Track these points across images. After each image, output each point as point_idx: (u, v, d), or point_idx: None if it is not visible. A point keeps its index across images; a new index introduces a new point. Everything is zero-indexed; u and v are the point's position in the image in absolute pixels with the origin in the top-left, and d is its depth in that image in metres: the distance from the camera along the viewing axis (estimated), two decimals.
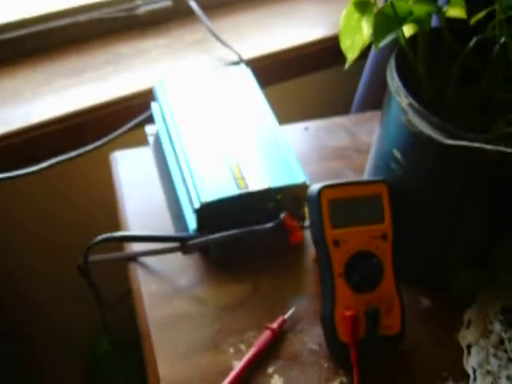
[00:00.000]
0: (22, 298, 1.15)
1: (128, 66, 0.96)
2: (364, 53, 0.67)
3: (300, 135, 0.84)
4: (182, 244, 0.66)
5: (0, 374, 1.20)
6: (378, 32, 0.56)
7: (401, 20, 0.56)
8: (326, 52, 1.02)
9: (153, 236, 0.67)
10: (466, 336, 0.62)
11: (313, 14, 1.08)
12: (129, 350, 1.22)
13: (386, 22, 0.56)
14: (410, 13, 0.56)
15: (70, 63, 0.96)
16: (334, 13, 1.07)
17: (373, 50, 0.97)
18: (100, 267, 0.69)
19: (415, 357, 0.60)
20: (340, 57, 0.71)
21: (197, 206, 0.63)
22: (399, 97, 0.56)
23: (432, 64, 0.59)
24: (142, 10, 1.02)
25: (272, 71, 1.00)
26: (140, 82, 0.93)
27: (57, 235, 1.07)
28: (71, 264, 0.70)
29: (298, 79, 1.05)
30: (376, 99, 0.97)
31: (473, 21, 0.60)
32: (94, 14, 0.99)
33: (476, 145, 0.50)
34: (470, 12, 0.60)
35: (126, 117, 0.90)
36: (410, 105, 0.54)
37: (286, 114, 0.83)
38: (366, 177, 0.70)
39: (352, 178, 0.77)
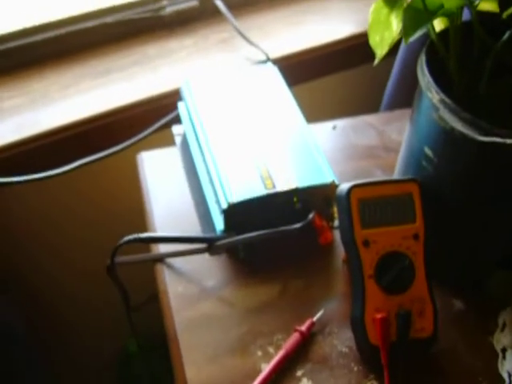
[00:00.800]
0: (51, 298, 1.16)
1: (155, 66, 0.96)
2: (393, 50, 0.65)
3: (328, 134, 0.83)
4: (209, 245, 0.65)
5: (29, 372, 1.21)
6: (408, 27, 0.55)
7: (431, 14, 0.55)
8: (354, 50, 1.00)
9: (179, 237, 0.66)
10: (501, 339, 0.60)
11: (340, 11, 1.07)
12: (156, 352, 1.22)
13: (415, 16, 0.55)
14: (441, 6, 0.55)
15: (97, 64, 0.96)
16: (362, 10, 1.06)
17: (402, 47, 0.95)
18: (129, 268, 0.69)
19: (448, 360, 0.59)
20: (369, 54, 0.69)
21: (224, 206, 0.62)
22: (430, 93, 0.54)
23: (463, 59, 0.58)
24: (169, 10, 1.02)
25: (300, 70, 0.99)
26: (167, 82, 0.93)
27: (85, 236, 1.07)
28: (99, 265, 0.70)
29: (325, 78, 1.04)
30: (406, 97, 0.95)
31: (505, 14, 0.58)
32: (121, 16, 0.99)
33: (510, 141, 0.49)
34: (503, 5, 0.58)
35: (153, 117, 0.89)
36: (442, 101, 0.53)
37: (313, 113, 0.81)
38: (396, 176, 0.68)
39: (381, 177, 0.76)
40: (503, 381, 0.57)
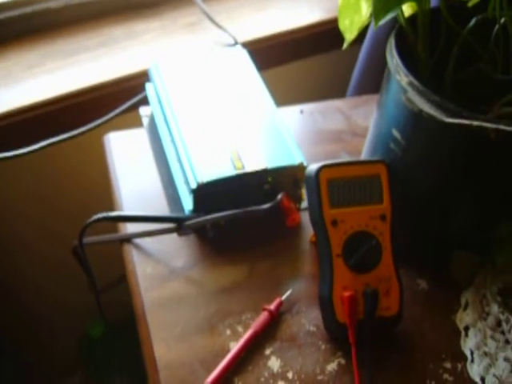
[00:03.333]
0: (17, 280, 1.14)
1: (121, 48, 0.95)
2: (360, 37, 0.66)
3: (295, 118, 0.84)
4: (178, 225, 0.65)
5: None
6: (379, 10, 0.55)
7: None
8: (321, 36, 1.01)
9: (149, 216, 0.66)
10: (464, 318, 0.61)
11: None
12: (120, 334, 1.22)
13: (385, 1, 0.56)
14: None
15: (63, 45, 0.95)
16: None
17: (369, 34, 0.96)
18: (95, 249, 0.69)
19: (413, 338, 0.60)
20: (336, 40, 0.70)
21: (193, 186, 0.62)
22: (399, 75, 0.55)
23: (431, 44, 0.59)
24: None
25: (267, 55, 0.99)
26: (133, 64, 0.92)
27: (51, 217, 1.06)
28: (66, 246, 0.69)
29: (293, 63, 1.04)
30: (372, 83, 0.97)
31: (471, 3, 0.60)
32: None
33: (477, 123, 0.50)
34: None
35: (120, 99, 0.89)
36: (410, 83, 0.54)
37: (281, 98, 0.82)
38: (363, 159, 0.69)
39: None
40: (465, 358, 0.59)
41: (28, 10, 0.94)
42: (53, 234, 1.03)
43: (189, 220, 0.65)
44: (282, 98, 0.84)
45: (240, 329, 0.60)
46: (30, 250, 1.09)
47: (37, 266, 1.13)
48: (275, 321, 0.60)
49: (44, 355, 1.30)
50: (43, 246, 1.09)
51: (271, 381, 0.56)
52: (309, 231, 0.68)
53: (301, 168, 0.65)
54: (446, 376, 0.57)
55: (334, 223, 0.57)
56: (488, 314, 0.61)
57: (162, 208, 0.71)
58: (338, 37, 0.64)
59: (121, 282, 0.73)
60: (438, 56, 0.59)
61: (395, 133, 0.58)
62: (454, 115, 0.51)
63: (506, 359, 0.57)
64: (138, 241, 0.67)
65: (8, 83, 0.89)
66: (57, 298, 1.18)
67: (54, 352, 1.30)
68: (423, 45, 0.59)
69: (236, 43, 0.94)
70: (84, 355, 1.32)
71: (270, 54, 1.00)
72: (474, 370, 0.58)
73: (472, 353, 0.59)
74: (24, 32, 0.96)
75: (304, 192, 0.68)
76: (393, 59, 0.57)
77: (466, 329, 0.61)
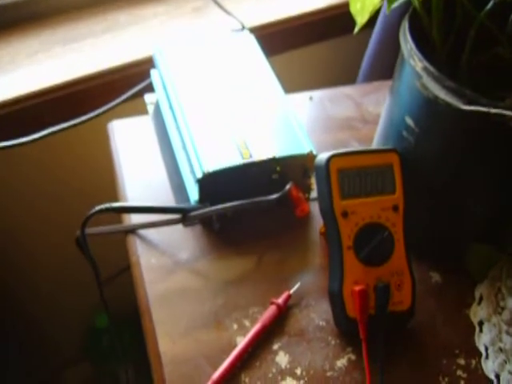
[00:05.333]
0: (21, 271, 1.13)
1: (127, 33, 0.93)
2: (371, 22, 0.64)
3: (304, 105, 0.81)
4: (183, 215, 0.63)
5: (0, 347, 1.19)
6: None
7: None
8: (331, 21, 0.98)
9: (153, 207, 0.64)
10: (478, 312, 0.60)
11: None
12: (126, 325, 1.21)
13: None
14: None
15: (68, 30, 0.93)
16: None
17: (380, 18, 0.94)
18: (101, 240, 0.67)
19: (426, 333, 0.58)
20: (345, 25, 0.68)
21: (199, 175, 0.61)
22: (413, 60, 0.53)
23: (446, 28, 0.57)
24: None
25: (275, 40, 0.97)
26: (139, 50, 0.91)
27: (55, 206, 1.05)
28: (71, 236, 0.68)
29: (302, 49, 1.02)
30: (383, 69, 0.94)
31: None
32: None
33: (495, 110, 0.47)
34: None
35: (125, 85, 0.87)
36: (425, 68, 0.51)
37: (290, 84, 0.80)
38: (374, 147, 0.67)
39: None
40: (480, 353, 0.57)
41: None
42: (58, 224, 1.02)
43: (194, 211, 0.63)
44: (291, 84, 0.82)
45: (247, 323, 0.58)
46: (34, 240, 1.08)
47: (43, 255, 1.12)
48: (283, 315, 0.59)
49: (49, 345, 1.29)
50: (48, 236, 1.08)
51: (279, 377, 0.54)
52: (319, 222, 0.66)
53: (310, 157, 0.63)
54: (459, 372, 0.56)
55: (345, 215, 0.55)
56: (503, 309, 0.59)
57: (167, 198, 0.69)
58: (348, 21, 0.62)
59: (123, 272, 0.71)
60: (454, 40, 0.57)
61: (408, 120, 0.56)
62: (470, 102, 0.49)
63: None
64: (142, 232, 0.66)
65: (10, 70, 0.87)
66: (62, 288, 1.18)
67: (58, 342, 1.29)
68: (438, 28, 0.56)
69: (243, 28, 0.92)
70: (89, 345, 1.31)
71: (279, 39, 0.98)
72: (489, 367, 0.56)
73: (486, 348, 0.57)
74: (28, 18, 0.94)
75: (313, 181, 0.66)
76: (407, 44, 0.54)
77: (481, 323, 0.59)
